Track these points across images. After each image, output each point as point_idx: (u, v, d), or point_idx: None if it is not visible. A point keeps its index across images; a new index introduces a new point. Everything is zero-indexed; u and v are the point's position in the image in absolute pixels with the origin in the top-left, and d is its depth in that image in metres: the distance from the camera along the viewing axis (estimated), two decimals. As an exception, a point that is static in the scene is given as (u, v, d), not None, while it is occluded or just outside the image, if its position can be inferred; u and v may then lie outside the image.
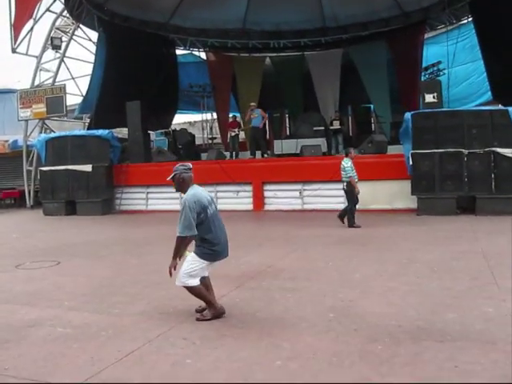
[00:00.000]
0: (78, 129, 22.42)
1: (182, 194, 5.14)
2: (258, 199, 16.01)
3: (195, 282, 4.95)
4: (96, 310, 5.47)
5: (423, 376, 3.63)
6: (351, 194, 11.62)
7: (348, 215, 11.71)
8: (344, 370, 3.78)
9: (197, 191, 5.07)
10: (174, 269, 4.97)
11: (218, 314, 5.04)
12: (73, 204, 17.40)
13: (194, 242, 5.11)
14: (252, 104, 17.79)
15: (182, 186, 5.10)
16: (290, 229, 11.96)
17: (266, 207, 16.12)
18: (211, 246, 4.98)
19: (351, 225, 11.57)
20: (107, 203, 17.32)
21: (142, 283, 6.69)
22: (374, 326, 4.71)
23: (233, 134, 19.34)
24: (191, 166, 5.21)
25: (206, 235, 4.97)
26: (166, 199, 17.07)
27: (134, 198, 17.75)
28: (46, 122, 21.20)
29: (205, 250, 4.98)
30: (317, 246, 9.33)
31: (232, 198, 16.48)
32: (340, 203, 15.31)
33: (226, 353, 4.12)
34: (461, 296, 5.62)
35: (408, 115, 14.06)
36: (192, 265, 4.94)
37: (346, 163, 11.62)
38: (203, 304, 5.16)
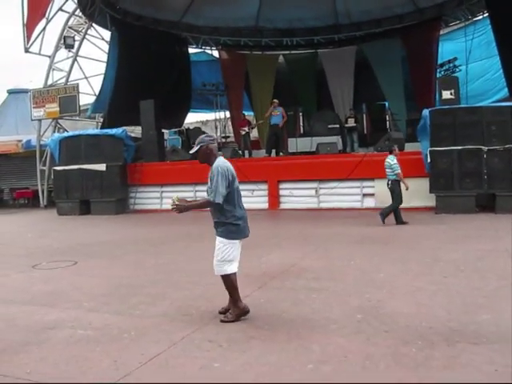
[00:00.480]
0: (91, 128, 22.36)
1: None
2: (274, 198, 15.85)
3: (233, 267, 4.84)
4: (117, 311, 5.33)
5: (463, 380, 3.46)
6: (397, 192, 11.48)
7: (395, 213, 11.54)
8: (379, 373, 3.62)
9: (225, 160, 4.96)
10: (179, 211, 4.80)
11: (242, 313, 4.89)
12: (87, 203, 17.34)
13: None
14: (275, 101, 17.57)
15: (209, 156, 4.89)
16: (307, 227, 11.81)
17: (282, 206, 15.96)
18: (235, 220, 4.84)
19: (400, 222, 11.45)
20: (121, 203, 17.24)
21: (162, 283, 6.56)
22: (404, 327, 4.54)
23: (243, 132, 19.37)
24: (216, 137, 5.08)
25: (230, 207, 4.84)
26: (180, 198, 16.96)
27: (149, 198, 17.66)
28: (59, 121, 21.17)
29: (230, 228, 4.83)
30: (337, 244, 9.17)
31: (247, 197, 16.28)
32: (357, 201, 15.25)
33: (254, 356, 3.97)
34: (491, 296, 5.44)
35: (426, 112, 13.85)
36: (224, 250, 4.81)
37: (392, 160, 11.49)
38: (226, 305, 5.02)
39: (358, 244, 9.11)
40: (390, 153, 11.78)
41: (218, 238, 4.89)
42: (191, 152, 4.99)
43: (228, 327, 4.67)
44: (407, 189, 11.44)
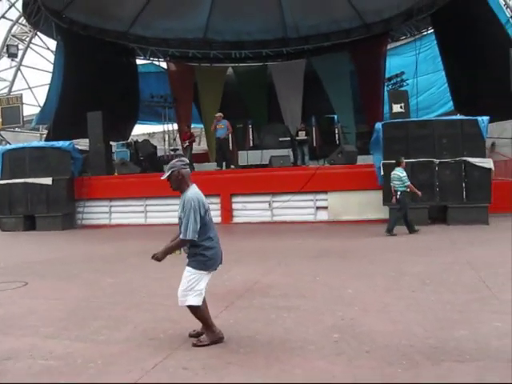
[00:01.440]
0: (33, 140, 21.55)
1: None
2: (227, 211, 15.61)
3: (199, 300, 4.52)
4: (78, 338, 4.95)
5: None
6: (405, 203, 11.74)
7: (406, 222, 11.79)
8: (369, 399, 3.45)
9: (198, 190, 4.69)
10: (157, 260, 4.63)
11: (216, 339, 4.61)
12: (32, 219, 16.58)
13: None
14: (218, 114, 17.36)
15: (181, 183, 4.63)
16: (264, 242, 11.65)
17: (235, 219, 15.73)
18: (207, 251, 4.59)
19: (413, 230, 11.69)
20: (68, 218, 16.57)
21: (122, 305, 6.20)
22: (384, 346, 4.39)
23: (184, 145, 19.45)
24: (188, 161, 4.79)
25: (204, 239, 4.59)
26: (130, 213, 16.55)
27: (97, 212, 17.07)
28: (1, 133, 20.33)
29: (200, 258, 4.57)
30: (297, 259, 9.02)
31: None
32: (310, 214, 15.19)
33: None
34: (464, 310, 5.40)
35: (379, 125, 13.98)
36: (191, 280, 4.53)
37: (402, 173, 11.76)
38: (197, 327, 4.75)
39: (319, 258, 8.99)
40: (398, 165, 11.99)
41: (187, 268, 4.61)
42: (162, 178, 4.67)
43: (201, 352, 4.39)
44: (419, 196, 11.87)
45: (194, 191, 4.63)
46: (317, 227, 13.85)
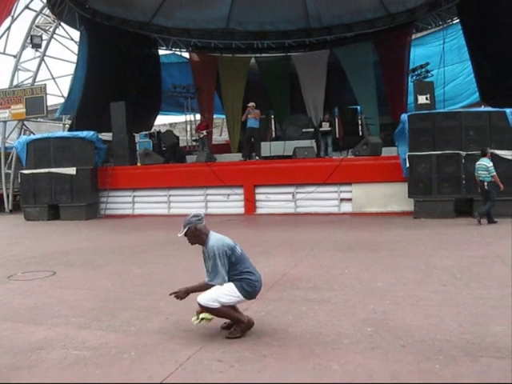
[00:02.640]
0: (56, 130, 21.67)
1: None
2: (250, 202, 15.58)
3: (218, 305, 4.48)
4: (110, 328, 4.96)
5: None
6: (493, 193, 11.65)
7: (490, 212, 11.66)
8: (411, 396, 3.39)
9: (218, 236, 4.67)
10: (177, 297, 4.66)
11: (247, 327, 4.60)
12: (56, 208, 16.73)
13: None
14: (251, 104, 17.19)
15: (200, 236, 4.62)
16: (289, 233, 11.57)
17: (258, 211, 15.70)
18: (252, 281, 4.58)
19: (492, 221, 11.61)
20: (92, 207, 16.68)
21: (152, 296, 6.19)
22: (420, 341, 4.32)
23: (201, 135, 19.52)
24: (203, 215, 4.75)
25: (244, 273, 4.58)
26: (153, 203, 16.61)
27: (120, 202, 17.17)
28: (25, 123, 20.46)
29: (245, 286, 4.55)
30: (325, 251, 8.94)
31: (223, 202, 16.03)
32: (334, 206, 15.10)
33: (272, 377, 3.67)
34: (498, 306, 5.28)
35: (405, 116, 13.82)
36: (228, 296, 4.48)
37: (489, 163, 11.68)
38: (228, 320, 4.73)
39: (346, 250, 8.90)
40: (484, 156, 11.89)
41: (230, 284, 4.54)
42: (179, 235, 4.65)
43: (234, 345, 4.35)
44: (501, 189, 11.63)
45: (214, 238, 4.63)
46: (341, 219, 13.74)
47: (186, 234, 4.62)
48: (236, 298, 4.53)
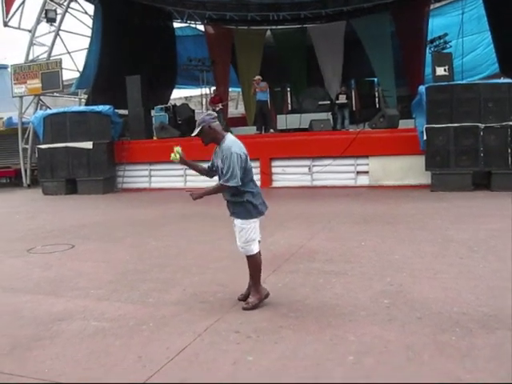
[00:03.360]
0: (72, 105, 21.69)
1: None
2: (266, 175, 15.52)
3: (256, 246, 4.63)
4: (128, 300, 5.03)
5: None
6: None
7: None
8: (425, 366, 3.40)
9: (235, 138, 4.65)
10: (193, 198, 4.72)
11: (263, 297, 4.68)
12: (73, 183, 16.83)
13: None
14: (257, 77, 17.03)
15: (214, 135, 4.55)
16: (305, 206, 11.57)
17: (274, 184, 15.66)
18: (252, 197, 4.61)
19: None
20: (109, 181, 16.77)
21: (169, 268, 6.25)
22: (436, 313, 4.33)
23: (217, 108, 19.15)
24: (216, 114, 4.76)
25: (248, 186, 4.61)
26: (169, 176, 16.62)
27: (137, 176, 17.21)
28: (41, 98, 20.50)
29: (250, 207, 4.60)
30: (341, 224, 8.93)
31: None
32: (350, 179, 15.03)
33: (289, 348, 3.72)
34: (516, 279, 5.26)
35: (422, 88, 13.60)
36: (247, 231, 4.58)
37: None
38: (244, 291, 4.78)
39: (362, 223, 8.88)
40: None
41: (238, 220, 4.62)
42: (193, 135, 4.60)
43: (252, 316, 4.41)
44: None
45: (231, 139, 4.59)
46: (358, 192, 13.68)
47: (199, 135, 4.57)
48: (252, 224, 4.62)
